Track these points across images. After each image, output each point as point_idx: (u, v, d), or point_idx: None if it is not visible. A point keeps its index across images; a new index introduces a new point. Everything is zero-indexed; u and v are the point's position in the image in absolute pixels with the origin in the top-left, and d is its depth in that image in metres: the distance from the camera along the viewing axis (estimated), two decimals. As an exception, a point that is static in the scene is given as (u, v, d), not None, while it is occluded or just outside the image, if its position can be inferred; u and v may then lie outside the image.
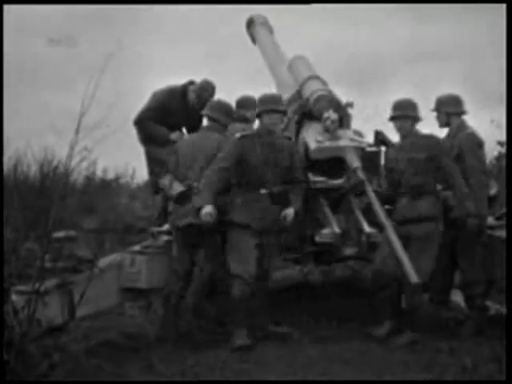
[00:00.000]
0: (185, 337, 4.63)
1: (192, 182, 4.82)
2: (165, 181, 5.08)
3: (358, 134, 5.26)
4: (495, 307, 5.04)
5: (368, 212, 5.16)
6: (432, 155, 4.75)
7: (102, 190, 10.36)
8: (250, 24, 7.05)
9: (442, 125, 5.23)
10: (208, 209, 4.48)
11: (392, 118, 4.93)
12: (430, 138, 4.91)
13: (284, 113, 4.97)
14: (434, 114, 5.25)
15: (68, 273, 4.24)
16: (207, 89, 6.22)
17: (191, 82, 6.29)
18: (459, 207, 4.72)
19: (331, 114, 5.04)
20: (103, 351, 4.17)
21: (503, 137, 8.27)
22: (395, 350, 4.37)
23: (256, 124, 5.33)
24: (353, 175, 4.83)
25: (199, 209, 4.49)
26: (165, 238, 5.16)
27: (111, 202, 9.63)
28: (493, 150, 9.56)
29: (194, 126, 6.37)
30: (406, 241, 4.58)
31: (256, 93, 5.18)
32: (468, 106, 5.26)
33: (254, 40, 7.05)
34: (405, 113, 4.87)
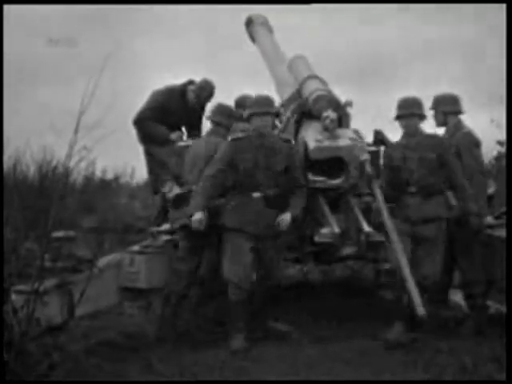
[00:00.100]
0: (184, 336, 4.63)
1: (191, 186, 4.84)
2: (166, 187, 5.22)
3: (358, 133, 5.27)
4: (495, 307, 5.04)
5: (367, 212, 5.17)
6: (439, 154, 4.74)
7: (102, 189, 10.36)
8: (249, 23, 7.05)
9: (439, 124, 5.23)
10: (198, 216, 4.49)
11: (398, 117, 4.87)
12: (436, 137, 4.90)
13: (276, 115, 4.94)
14: (431, 112, 5.25)
15: (67, 272, 4.23)
16: (206, 88, 6.23)
17: (190, 82, 6.29)
18: (462, 207, 4.73)
19: (330, 114, 5.03)
20: (102, 351, 4.16)
21: (503, 136, 8.28)
22: (395, 350, 4.37)
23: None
24: (354, 170, 4.83)
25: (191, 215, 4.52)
26: (164, 237, 5.16)
27: (110, 201, 9.63)
28: (492, 149, 9.58)
29: (193, 126, 6.39)
30: (416, 241, 4.61)
31: (255, 92, 5.18)
32: (468, 105, 5.27)
33: (253, 39, 7.06)
34: (411, 111, 4.81)
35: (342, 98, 5.34)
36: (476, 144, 5.08)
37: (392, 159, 4.88)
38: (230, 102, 5.81)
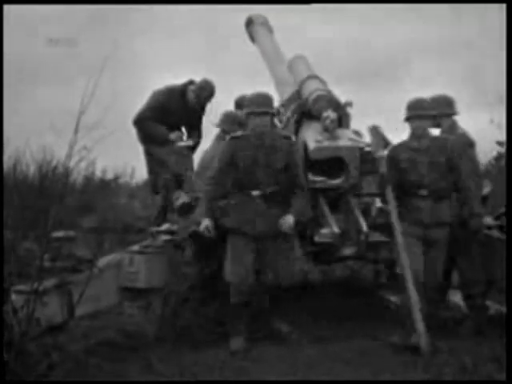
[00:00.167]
0: (184, 336, 4.62)
1: (199, 193, 4.88)
2: (176, 195, 5.38)
3: (357, 133, 5.27)
4: (495, 307, 5.04)
5: (367, 212, 5.18)
6: (448, 158, 4.72)
7: (101, 189, 10.35)
8: (249, 23, 7.06)
9: (433, 126, 5.21)
10: (205, 222, 4.51)
11: (408, 118, 4.80)
12: (444, 139, 4.87)
13: (274, 114, 4.90)
14: None
15: (67, 272, 4.22)
16: (206, 88, 6.22)
17: (191, 82, 6.28)
18: (465, 208, 4.74)
19: (330, 114, 5.04)
20: (102, 350, 4.16)
21: (503, 137, 8.28)
22: (396, 350, 4.37)
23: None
24: (354, 171, 4.83)
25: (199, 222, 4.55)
26: (164, 237, 5.16)
27: (110, 201, 9.62)
28: (492, 150, 9.58)
29: (193, 126, 6.38)
30: (427, 244, 4.62)
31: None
32: (468, 106, 5.27)
33: (253, 39, 7.06)
34: (421, 113, 4.75)
35: (342, 98, 5.35)
36: (470, 145, 5.09)
37: (399, 161, 4.79)
38: (230, 102, 5.82)
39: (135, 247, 5.01)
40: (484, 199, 5.09)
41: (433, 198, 4.68)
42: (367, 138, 5.31)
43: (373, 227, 4.85)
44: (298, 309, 5.26)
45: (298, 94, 5.68)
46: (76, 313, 4.20)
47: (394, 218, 4.56)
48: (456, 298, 5.28)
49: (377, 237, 4.83)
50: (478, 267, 4.87)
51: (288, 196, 4.65)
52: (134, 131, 6.24)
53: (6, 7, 4.53)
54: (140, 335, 4.52)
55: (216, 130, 5.77)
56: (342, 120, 5.28)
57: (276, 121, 5.67)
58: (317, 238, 4.78)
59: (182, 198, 5.36)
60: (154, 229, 5.37)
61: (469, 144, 5.07)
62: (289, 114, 5.59)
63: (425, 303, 4.42)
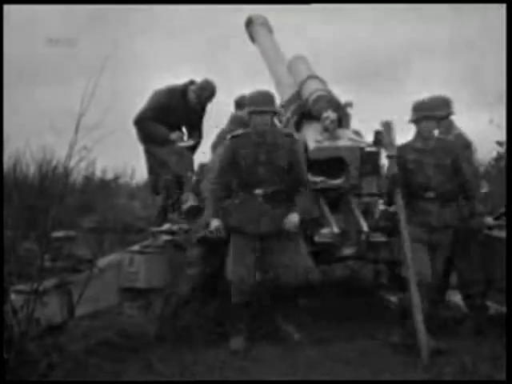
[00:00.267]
0: (184, 336, 4.62)
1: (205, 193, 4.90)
2: (184, 197, 5.41)
3: (358, 133, 5.27)
4: (495, 307, 5.04)
5: (367, 212, 5.17)
6: (453, 160, 4.70)
7: (102, 189, 10.35)
8: (249, 23, 7.06)
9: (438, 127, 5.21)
10: (214, 223, 4.49)
11: (415, 120, 4.73)
12: (449, 141, 4.85)
13: (276, 112, 4.84)
14: None
15: (67, 272, 4.22)
16: (207, 88, 6.22)
17: (191, 82, 6.29)
18: (466, 208, 4.75)
19: (330, 114, 5.04)
20: (102, 350, 4.16)
21: (502, 137, 8.28)
22: (396, 350, 4.37)
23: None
24: (354, 171, 4.81)
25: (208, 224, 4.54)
26: (164, 237, 5.16)
27: (110, 201, 9.62)
28: (492, 150, 9.57)
29: (194, 126, 6.39)
30: (433, 247, 4.61)
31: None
32: (468, 106, 5.27)
33: (253, 39, 7.06)
34: (429, 114, 4.69)
35: (342, 99, 5.35)
36: (467, 146, 5.09)
37: (405, 161, 4.73)
38: (230, 102, 5.82)
39: (135, 247, 5.01)
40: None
41: (440, 201, 4.66)
42: (367, 138, 5.32)
43: (376, 229, 4.83)
44: (298, 309, 5.26)
45: (297, 95, 5.68)
46: (76, 313, 4.20)
47: (402, 220, 4.48)
48: (456, 298, 5.28)
49: (377, 237, 4.83)
50: (476, 267, 4.87)
51: (292, 194, 4.61)
52: (134, 131, 6.24)
53: (5, 7, 4.54)
54: (140, 335, 4.52)
55: (217, 130, 5.78)
56: (342, 120, 5.29)
57: (276, 121, 5.66)
58: (317, 238, 4.78)
59: (189, 201, 5.38)
60: (155, 229, 5.37)
61: (465, 145, 5.08)
62: (289, 114, 5.59)
63: (427, 304, 4.41)
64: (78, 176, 9.51)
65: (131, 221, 8.17)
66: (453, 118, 5.40)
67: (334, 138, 5.02)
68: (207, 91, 6.22)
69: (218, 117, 6.41)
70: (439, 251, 4.67)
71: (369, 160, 5.01)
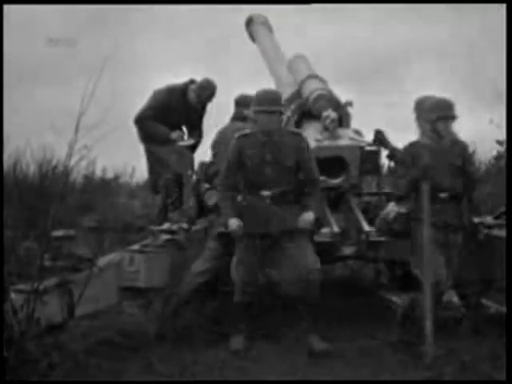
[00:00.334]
0: (184, 336, 4.62)
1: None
2: (207, 195, 5.35)
3: (358, 133, 5.27)
4: (495, 306, 5.04)
5: (367, 211, 5.17)
6: (463, 161, 4.71)
7: (102, 188, 10.35)
8: (249, 23, 7.07)
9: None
10: (233, 222, 4.38)
11: (437, 119, 4.66)
12: (459, 142, 4.83)
13: (282, 112, 4.81)
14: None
15: (67, 272, 4.22)
16: (208, 88, 6.23)
17: (192, 81, 6.29)
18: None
19: (330, 113, 5.04)
20: (102, 350, 4.15)
21: (503, 136, 8.28)
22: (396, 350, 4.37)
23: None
24: (354, 170, 4.80)
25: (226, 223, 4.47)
26: (164, 237, 5.16)
27: (110, 200, 9.60)
28: (492, 149, 9.58)
29: (194, 125, 6.39)
30: (448, 248, 4.60)
31: (255, 91, 5.15)
32: (468, 106, 5.26)
33: (253, 39, 7.07)
34: (450, 113, 4.67)
35: (343, 98, 5.35)
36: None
37: (421, 159, 4.66)
38: (230, 102, 5.82)
39: (135, 246, 5.00)
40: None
41: (453, 202, 4.65)
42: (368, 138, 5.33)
43: (391, 233, 4.79)
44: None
45: (298, 94, 5.69)
46: (76, 312, 4.19)
47: (427, 219, 4.27)
48: (454, 298, 5.27)
49: (377, 236, 4.82)
50: (470, 267, 4.87)
51: (302, 194, 4.51)
52: (134, 130, 6.25)
53: (5, 7, 4.54)
54: (140, 335, 4.52)
55: (217, 129, 5.77)
56: (343, 119, 5.29)
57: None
58: (317, 238, 4.77)
59: (213, 199, 5.35)
60: (155, 228, 5.37)
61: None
62: (289, 113, 5.59)
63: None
64: (78, 175, 9.52)
65: (131, 220, 8.17)
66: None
67: (334, 137, 5.02)
68: (208, 91, 6.22)
69: (217, 116, 6.41)
70: (454, 251, 4.66)
71: (369, 159, 5.02)
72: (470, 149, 5.03)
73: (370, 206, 5.42)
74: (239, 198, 4.60)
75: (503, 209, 5.07)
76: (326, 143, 4.96)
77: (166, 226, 5.28)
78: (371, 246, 4.86)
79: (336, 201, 5.05)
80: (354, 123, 5.47)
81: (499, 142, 9.18)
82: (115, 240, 6.44)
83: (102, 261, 4.57)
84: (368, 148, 5.08)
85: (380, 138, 5.37)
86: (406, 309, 4.63)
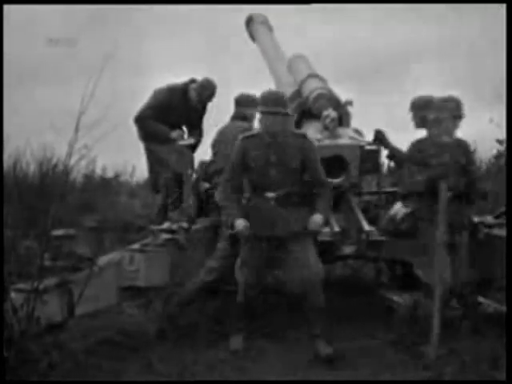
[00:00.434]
0: (184, 335, 4.62)
1: None
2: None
3: (358, 132, 5.27)
4: (494, 306, 5.04)
5: (367, 211, 5.17)
6: (467, 160, 4.72)
7: (102, 188, 10.35)
8: (249, 22, 7.07)
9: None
10: (240, 222, 4.33)
11: (445, 118, 4.66)
12: (463, 141, 4.83)
13: (287, 114, 4.76)
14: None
15: (67, 271, 4.21)
16: (208, 88, 6.23)
17: (192, 81, 6.29)
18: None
19: (330, 113, 5.04)
20: (102, 349, 4.16)
21: (502, 135, 8.29)
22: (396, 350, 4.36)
23: (256, 122, 5.31)
24: (354, 169, 4.79)
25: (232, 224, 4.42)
26: (164, 236, 5.16)
27: (111, 200, 9.61)
28: (492, 148, 9.58)
29: (194, 125, 6.39)
30: (454, 249, 4.58)
31: (256, 90, 5.16)
32: (467, 105, 5.25)
33: (253, 38, 7.07)
34: (457, 113, 4.67)
35: (343, 97, 5.35)
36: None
37: (429, 156, 4.65)
38: (230, 102, 5.82)
39: (135, 246, 5.00)
40: None
41: (456, 201, 4.62)
42: (368, 138, 5.32)
43: (397, 234, 4.77)
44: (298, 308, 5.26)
45: (298, 93, 5.68)
46: (76, 312, 4.19)
47: (442, 220, 4.24)
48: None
49: (377, 236, 4.82)
50: (468, 267, 4.86)
51: (307, 195, 4.46)
52: (134, 130, 6.25)
53: (5, 7, 4.53)
54: (140, 334, 4.52)
55: (217, 128, 5.77)
56: (343, 119, 5.28)
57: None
58: (317, 237, 4.77)
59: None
60: (155, 227, 5.37)
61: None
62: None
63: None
64: (78, 174, 9.52)
65: (131, 219, 8.18)
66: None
67: (335, 136, 5.01)
68: (208, 90, 6.22)
69: (217, 116, 6.41)
70: (461, 252, 4.65)
71: (369, 158, 5.01)
72: (472, 148, 5.00)
73: (370, 205, 5.42)
74: (244, 199, 4.58)
75: (503, 208, 5.07)
76: (326, 142, 4.96)
77: (166, 225, 5.28)
78: (371, 246, 4.85)
79: (336, 200, 5.04)
80: (354, 123, 5.47)
81: (499, 141, 9.18)
82: (115, 239, 6.45)
83: (102, 260, 4.57)
84: (368, 147, 5.07)
85: (380, 138, 5.36)
86: (409, 308, 4.62)
